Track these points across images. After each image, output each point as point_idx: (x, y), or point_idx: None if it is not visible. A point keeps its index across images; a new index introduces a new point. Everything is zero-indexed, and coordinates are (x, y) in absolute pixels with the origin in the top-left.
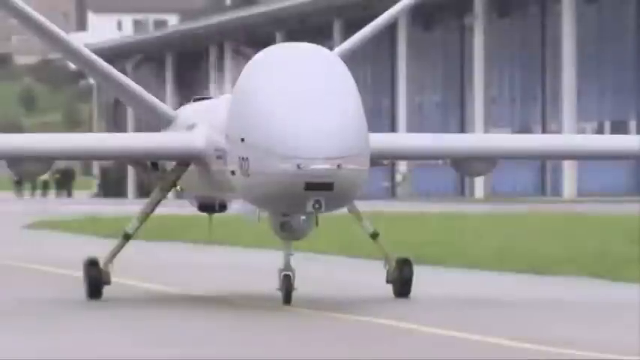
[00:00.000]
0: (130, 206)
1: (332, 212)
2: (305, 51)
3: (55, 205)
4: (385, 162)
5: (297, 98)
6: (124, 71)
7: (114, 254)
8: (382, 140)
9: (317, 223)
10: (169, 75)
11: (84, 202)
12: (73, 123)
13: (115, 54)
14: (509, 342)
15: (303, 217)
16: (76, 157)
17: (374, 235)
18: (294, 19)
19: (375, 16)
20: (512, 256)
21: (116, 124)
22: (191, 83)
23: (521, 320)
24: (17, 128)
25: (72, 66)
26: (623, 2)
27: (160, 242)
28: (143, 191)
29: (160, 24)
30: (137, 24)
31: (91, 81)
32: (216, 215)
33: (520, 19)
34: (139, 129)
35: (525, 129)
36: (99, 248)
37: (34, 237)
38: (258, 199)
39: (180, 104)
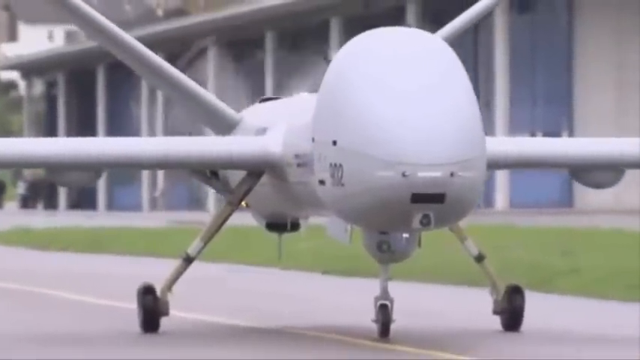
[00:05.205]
0: (62, 217)
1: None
2: (407, 36)
3: None
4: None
5: (401, 93)
6: (54, 83)
7: (173, 280)
8: (499, 145)
9: (420, 244)
10: (100, 87)
11: (15, 213)
12: (4, 134)
13: (46, 65)
14: (442, 354)
15: (405, 236)
16: (131, 165)
17: (479, 258)
18: (228, 29)
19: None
20: (446, 268)
21: (47, 135)
22: (124, 95)
23: (461, 333)
24: None
25: (1, 77)
26: (555, 13)
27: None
28: (75, 202)
29: None
30: (69, 35)
31: (22, 92)
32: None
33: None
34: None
35: None
36: (31, 260)
37: None
38: (353, 213)
39: (111, 116)
